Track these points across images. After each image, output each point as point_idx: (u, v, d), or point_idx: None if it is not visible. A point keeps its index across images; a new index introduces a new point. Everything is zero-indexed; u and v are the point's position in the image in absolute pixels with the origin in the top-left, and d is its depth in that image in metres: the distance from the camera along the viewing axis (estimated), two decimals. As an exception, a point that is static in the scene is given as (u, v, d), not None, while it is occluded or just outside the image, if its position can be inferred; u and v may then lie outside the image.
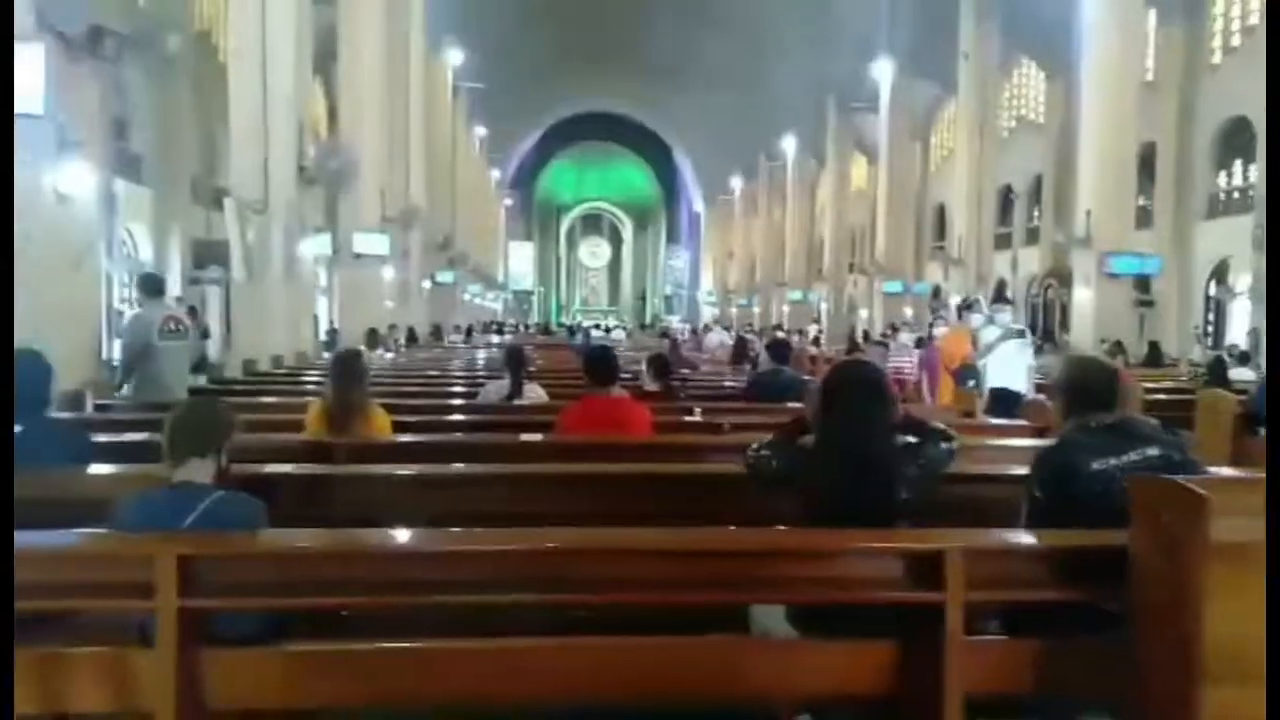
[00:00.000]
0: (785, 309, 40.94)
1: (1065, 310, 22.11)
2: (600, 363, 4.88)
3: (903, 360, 10.70)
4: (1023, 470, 3.89)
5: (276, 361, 11.08)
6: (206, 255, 13.95)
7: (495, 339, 22.93)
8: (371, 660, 2.55)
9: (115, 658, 2.45)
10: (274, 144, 12.17)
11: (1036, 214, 29.74)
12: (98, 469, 3.56)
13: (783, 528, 2.83)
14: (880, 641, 2.60)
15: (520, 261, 64.12)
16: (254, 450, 3.76)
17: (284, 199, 12.34)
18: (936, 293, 29.52)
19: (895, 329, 18.10)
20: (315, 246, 14.50)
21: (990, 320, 7.86)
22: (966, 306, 9.78)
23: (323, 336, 18.07)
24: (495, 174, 49.01)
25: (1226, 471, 4.14)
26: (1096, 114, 18.04)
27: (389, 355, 12.95)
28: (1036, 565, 2.61)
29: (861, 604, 2.54)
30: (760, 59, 37.91)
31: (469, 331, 24.89)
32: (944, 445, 2.92)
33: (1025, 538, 2.69)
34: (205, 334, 12.35)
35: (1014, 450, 4.78)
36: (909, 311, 31.64)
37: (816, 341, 22.22)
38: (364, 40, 18.21)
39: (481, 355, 14.56)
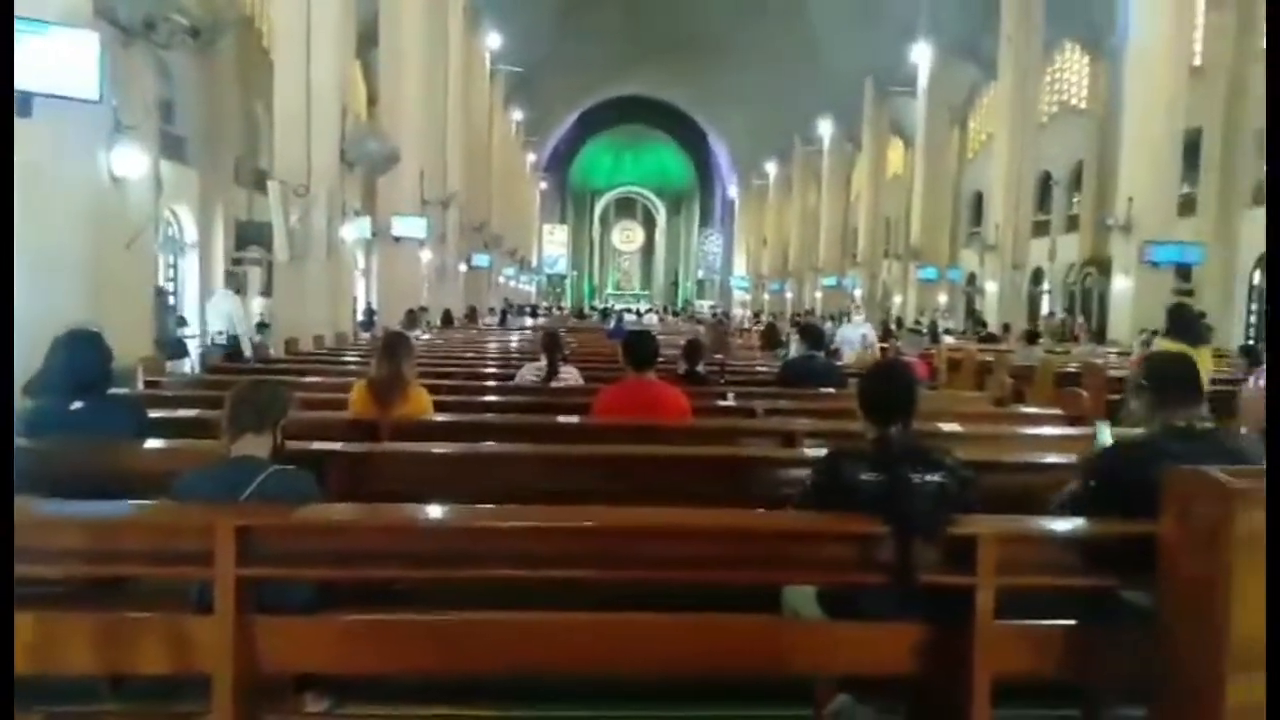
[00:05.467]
0: (819, 294, 40.72)
1: (1104, 299, 21.77)
2: (639, 346, 4.94)
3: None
4: (1055, 459, 3.93)
5: (318, 341, 11.29)
6: (249, 236, 14.20)
7: (529, 322, 23.11)
8: (416, 630, 2.65)
9: (175, 623, 2.57)
10: (316, 129, 12.36)
11: (1076, 201, 29.23)
12: (155, 444, 3.70)
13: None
14: (911, 624, 2.65)
15: (554, 245, 64.33)
16: (302, 427, 3.88)
17: (326, 183, 12.53)
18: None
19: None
20: (355, 229, 14.71)
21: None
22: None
23: (360, 318, 18.34)
24: (531, 157, 49.14)
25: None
26: (1141, 99, 17.71)
27: (425, 336, 13.14)
28: (1068, 552, 2.64)
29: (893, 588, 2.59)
30: (798, 42, 37.53)
31: (504, 315, 25.08)
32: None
33: (1058, 525, 2.72)
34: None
35: (1046, 439, 4.79)
36: (943, 299, 31.35)
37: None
38: (405, 25, 18.35)
39: (515, 338, 14.70)
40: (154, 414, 4.24)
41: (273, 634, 2.58)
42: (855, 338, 12.27)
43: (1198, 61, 21.65)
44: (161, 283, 15.06)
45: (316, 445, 3.56)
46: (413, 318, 12.47)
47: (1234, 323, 21.72)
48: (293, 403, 2.95)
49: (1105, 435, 3.45)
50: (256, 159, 19.65)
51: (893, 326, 18.68)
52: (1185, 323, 7.30)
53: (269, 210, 12.46)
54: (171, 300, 16.97)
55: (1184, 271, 19.96)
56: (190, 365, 11.34)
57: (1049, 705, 2.75)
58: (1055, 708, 2.73)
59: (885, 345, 12.74)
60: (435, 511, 2.73)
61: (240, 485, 2.64)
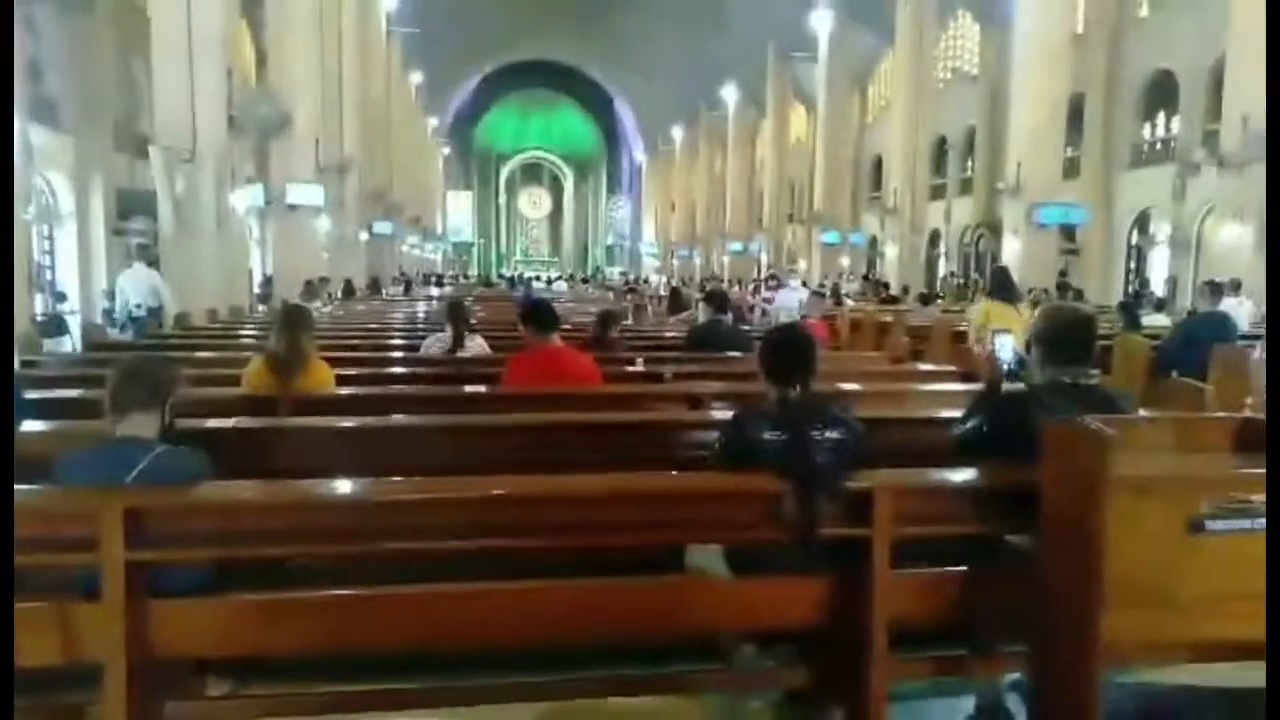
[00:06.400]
0: (726, 260, 41.18)
1: (995, 259, 22.68)
2: (539, 313, 4.92)
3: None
4: (950, 413, 4.10)
5: (211, 315, 10.84)
6: (132, 206, 13.46)
7: (435, 291, 22.66)
8: (317, 608, 2.61)
9: (61, 612, 2.46)
10: (201, 90, 11.76)
11: (970, 165, 30.26)
12: (34, 425, 3.50)
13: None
14: (815, 577, 2.74)
15: (459, 212, 63.10)
16: (194, 405, 3.73)
17: (213, 148, 11.96)
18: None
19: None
20: (247, 197, 14.12)
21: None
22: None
23: (257, 289, 17.66)
24: (432, 122, 47.90)
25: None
26: (1028, 66, 18.38)
27: (326, 309, 12.75)
28: (958, 502, 2.77)
29: (794, 542, 2.67)
30: (703, 6, 37.50)
31: (408, 284, 24.53)
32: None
33: (948, 476, 2.85)
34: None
35: (941, 395, 4.98)
36: (845, 261, 32.12)
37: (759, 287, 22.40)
38: (292, -20, 17.54)
39: (422, 308, 14.41)
40: (32, 395, 4.01)
41: (166, 619, 2.50)
42: (793, 303, 11.95)
43: (1080, 29, 22.56)
44: (36, 256, 14.16)
45: (211, 423, 3.43)
46: (311, 289, 12.07)
47: (1114, 280, 22.96)
48: (181, 379, 2.83)
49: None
50: (138, 123, 18.56)
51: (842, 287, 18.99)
52: (1005, 284, 8.51)
53: (152, 178, 11.83)
54: (49, 275, 16.00)
55: (1069, 232, 20.97)
56: (71, 343, 10.74)
57: (941, 647, 2.89)
58: (946, 649, 2.87)
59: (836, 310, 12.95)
60: (332, 486, 2.68)
61: (127, 466, 2.53)
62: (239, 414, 3.92)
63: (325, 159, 19.01)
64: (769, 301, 14.10)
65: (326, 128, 19.51)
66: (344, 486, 2.70)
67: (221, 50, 12.19)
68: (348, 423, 3.93)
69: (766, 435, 2.74)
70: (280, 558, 2.71)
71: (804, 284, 18.80)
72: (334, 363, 5.18)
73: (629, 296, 19.17)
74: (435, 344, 6.26)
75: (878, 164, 34.74)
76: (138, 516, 2.39)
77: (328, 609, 2.60)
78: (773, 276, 26.80)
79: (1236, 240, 14.59)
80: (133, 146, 17.76)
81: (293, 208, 17.28)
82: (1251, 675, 3.01)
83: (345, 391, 4.77)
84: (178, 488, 2.52)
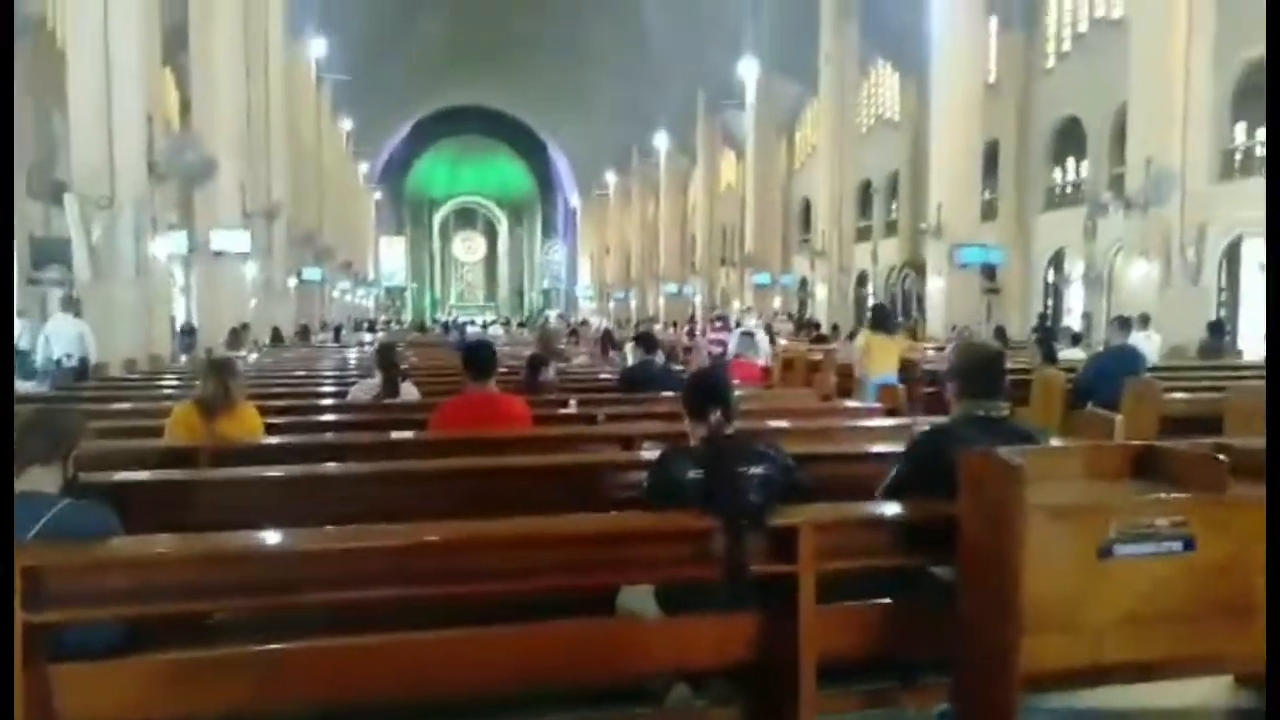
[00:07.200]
0: (661, 302, 41.54)
1: (921, 299, 23.35)
2: (479, 358, 4.89)
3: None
4: (875, 449, 4.19)
5: (129, 365, 10.49)
6: (46, 254, 13.01)
7: (367, 337, 22.32)
8: (239, 665, 2.51)
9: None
10: (120, 135, 11.49)
11: (894, 207, 31.22)
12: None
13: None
14: (744, 614, 2.75)
15: (392, 257, 62.52)
16: (112, 457, 3.61)
17: (133, 194, 11.66)
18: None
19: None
20: (169, 244, 13.78)
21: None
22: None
23: (178, 338, 17.15)
24: (364, 168, 47.58)
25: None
26: (945, 113, 19.15)
27: (252, 356, 12.45)
28: (881, 535, 2.82)
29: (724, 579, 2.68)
30: (634, 55, 38.23)
31: (338, 330, 24.10)
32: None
33: (870, 510, 2.90)
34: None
35: (867, 431, 5.09)
36: (778, 301, 32.69)
37: (691, 333, 22.61)
38: (218, 28, 17.38)
39: (353, 355, 14.17)
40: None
41: (73, 682, 2.38)
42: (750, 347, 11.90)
43: (992, 79, 23.64)
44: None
45: (120, 476, 3.31)
46: (236, 337, 11.79)
47: (1032, 318, 23.78)
48: (85, 430, 2.72)
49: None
50: (54, 169, 18.02)
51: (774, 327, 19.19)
52: (883, 318, 9.66)
53: (68, 225, 11.47)
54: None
55: (989, 271, 21.71)
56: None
57: (871, 680, 2.92)
58: (875, 682, 2.90)
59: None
60: (251, 538, 2.59)
61: (27, 523, 2.42)
62: (158, 466, 3.79)
63: (253, 204, 18.70)
64: (718, 345, 13.84)
65: (254, 173, 19.23)
66: (263, 537, 2.62)
67: (142, 93, 11.92)
68: (273, 472, 3.83)
69: (690, 474, 2.77)
70: (200, 614, 2.62)
71: (769, 326, 19.06)
72: (260, 413, 5.06)
73: (570, 339, 19.18)
74: (363, 391, 6.15)
75: (806, 207, 35.58)
76: (36, 575, 2.28)
77: (251, 665, 2.51)
78: (720, 318, 27.05)
79: (1144, 277, 15.30)
80: (48, 193, 17.22)
81: (218, 254, 16.91)
82: (1167, 694, 3.11)
83: (270, 440, 4.65)
84: (83, 543, 2.42)
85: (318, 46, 28.81)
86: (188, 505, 3.42)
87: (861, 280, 31.65)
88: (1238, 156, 18.81)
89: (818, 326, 23.18)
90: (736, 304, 35.47)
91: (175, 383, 8.50)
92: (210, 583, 2.47)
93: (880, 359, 8.74)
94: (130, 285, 11.63)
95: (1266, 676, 2.34)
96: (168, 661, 2.48)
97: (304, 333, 20.62)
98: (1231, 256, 18.85)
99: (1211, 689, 3.26)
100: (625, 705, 2.92)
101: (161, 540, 2.61)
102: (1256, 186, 17.85)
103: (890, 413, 5.57)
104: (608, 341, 12.25)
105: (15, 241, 16.55)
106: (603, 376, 8.88)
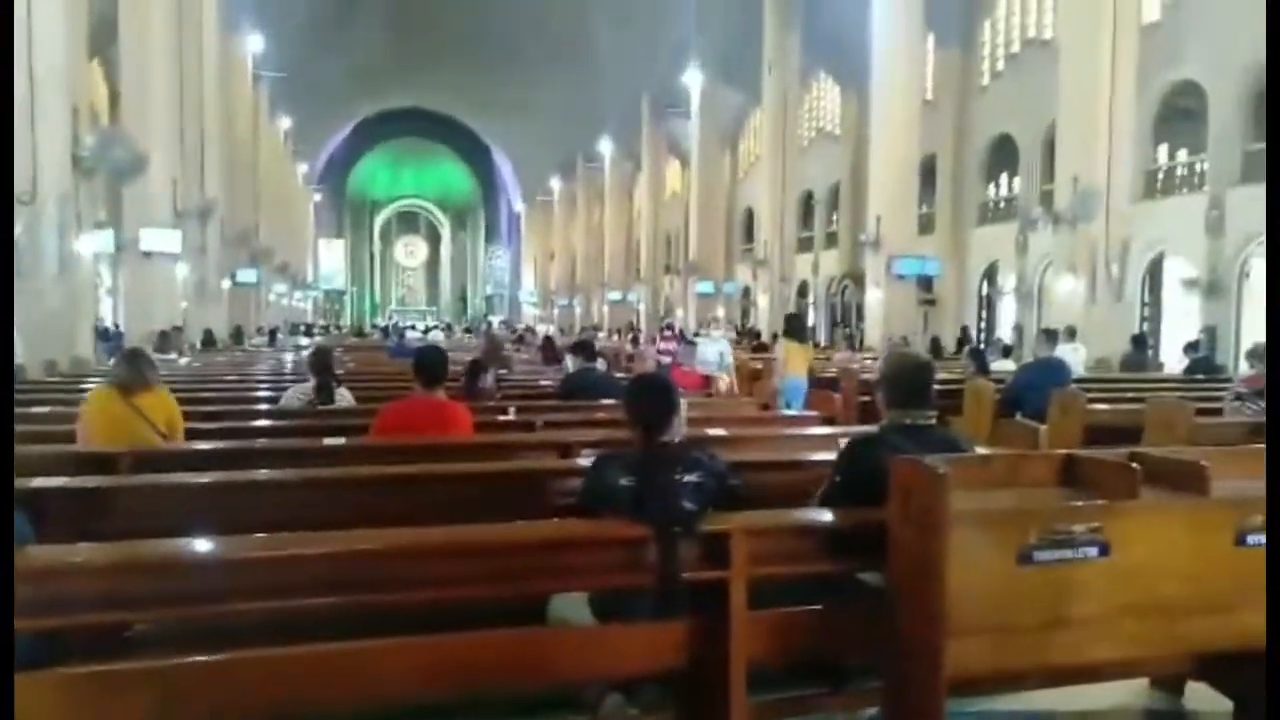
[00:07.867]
0: (605, 309, 41.55)
1: (860, 309, 23.78)
2: (431, 364, 4.84)
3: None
4: (812, 456, 4.25)
5: (50, 368, 10.11)
6: (-38, 251, 12.44)
7: (304, 341, 21.87)
8: (158, 678, 2.43)
9: None
10: (42, 127, 11.02)
11: (835, 219, 31.74)
12: None
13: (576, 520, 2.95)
14: (677, 621, 2.76)
15: (331, 260, 61.44)
16: (26, 464, 3.47)
17: (56, 189, 11.23)
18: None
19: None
20: (95, 243, 13.31)
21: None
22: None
23: (103, 339, 16.60)
24: (303, 168, 46.70)
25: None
26: (884, 127, 19.55)
27: (182, 360, 12.11)
28: (812, 542, 2.86)
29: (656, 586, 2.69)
30: (579, 59, 38.23)
31: (273, 334, 23.58)
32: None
33: (801, 517, 2.95)
34: None
35: (804, 439, 5.16)
36: (720, 312, 32.97)
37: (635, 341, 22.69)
38: (148, 19, 16.85)
39: (289, 359, 13.88)
40: None
41: (-18, 698, 2.28)
42: (713, 356, 11.06)
43: (930, 95, 24.23)
44: None
45: (36, 483, 3.19)
46: (166, 339, 11.46)
47: (970, 327, 24.37)
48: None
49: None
50: (-28, 163, 17.31)
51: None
52: (797, 327, 10.65)
53: (-13, 221, 11.00)
54: None
55: (926, 283, 22.23)
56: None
57: (802, 686, 2.96)
58: (805, 687, 2.94)
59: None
60: (171, 546, 2.52)
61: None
62: (75, 472, 3.66)
63: (185, 203, 18.19)
64: (668, 354, 13.52)
65: (187, 170, 18.71)
66: (187, 545, 2.55)
67: (66, 84, 11.49)
68: (199, 479, 3.73)
69: (622, 480, 2.77)
70: (119, 625, 2.53)
71: (737, 333, 19.08)
72: (188, 417, 4.94)
73: (517, 345, 19.08)
74: (295, 396, 6.03)
75: (749, 217, 35.98)
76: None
77: (173, 678, 2.42)
78: (668, 326, 27.10)
79: (1071, 291, 15.82)
80: (-34, 187, 16.53)
81: (147, 254, 16.40)
82: (1085, 697, 3.22)
83: (197, 446, 4.54)
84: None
85: (254, 42, 28.20)
86: (107, 512, 3.31)
87: (803, 290, 32.10)
88: (1159, 177, 19.61)
89: (758, 335, 23.48)
90: (679, 311, 35.72)
91: (98, 384, 8.22)
92: (130, 593, 2.39)
93: (793, 364, 9.49)
94: (53, 284, 11.19)
95: (1267, 675, 2.43)
96: (85, 674, 2.40)
97: (238, 335, 20.13)
98: (1154, 273, 19.62)
99: (1127, 691, 3.39)
100: (560, 713, 2.92)
101: (79, 549, 2.52)
102: (1176, 205, 18.66)
103: (827, 421, 5.66)
104: (549, 349, 12.21)
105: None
106: (543, 383, 8.85)
